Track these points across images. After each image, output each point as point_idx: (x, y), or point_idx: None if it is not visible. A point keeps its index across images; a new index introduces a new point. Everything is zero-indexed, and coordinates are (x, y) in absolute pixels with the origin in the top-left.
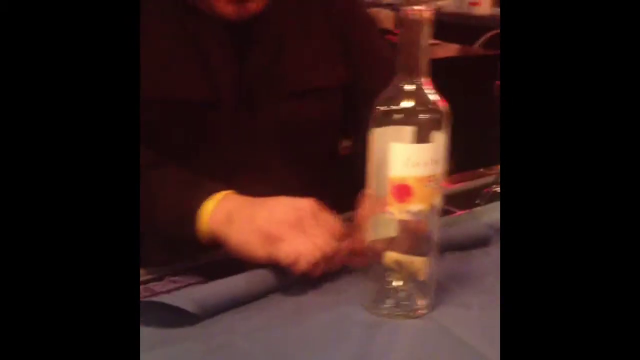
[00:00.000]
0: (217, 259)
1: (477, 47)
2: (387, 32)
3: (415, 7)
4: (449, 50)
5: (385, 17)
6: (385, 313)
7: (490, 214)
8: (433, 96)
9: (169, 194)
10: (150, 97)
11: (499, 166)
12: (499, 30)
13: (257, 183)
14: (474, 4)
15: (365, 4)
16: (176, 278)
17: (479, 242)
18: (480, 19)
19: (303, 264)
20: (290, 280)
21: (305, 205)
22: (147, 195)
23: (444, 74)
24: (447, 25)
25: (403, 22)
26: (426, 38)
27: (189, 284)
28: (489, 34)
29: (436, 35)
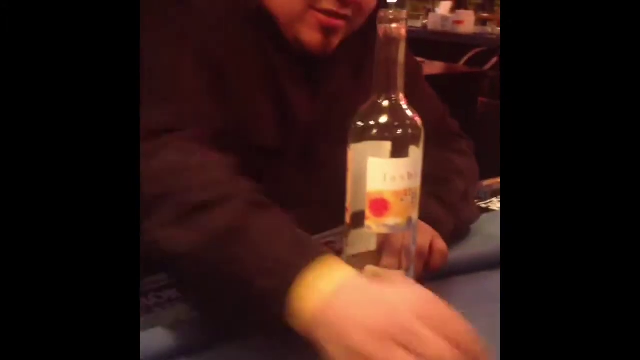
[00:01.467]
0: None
1: (461, 65)
2: None
3: (392, 25)
4: (434, 67)
5: None
6: None
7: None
8: (409, 112)
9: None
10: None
11: (484, 181)
12: (482, 48)
13: (316, 217)
14: (458, 22)
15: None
16: (160, 294)
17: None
18: (464, 37)
19: None
20: None
21: (408, 303)
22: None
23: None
24: (431, 44)
25: (380, 39)
26: (402, 54)
27: (170, 300)
28: (472, 52)
29: (421, 53)
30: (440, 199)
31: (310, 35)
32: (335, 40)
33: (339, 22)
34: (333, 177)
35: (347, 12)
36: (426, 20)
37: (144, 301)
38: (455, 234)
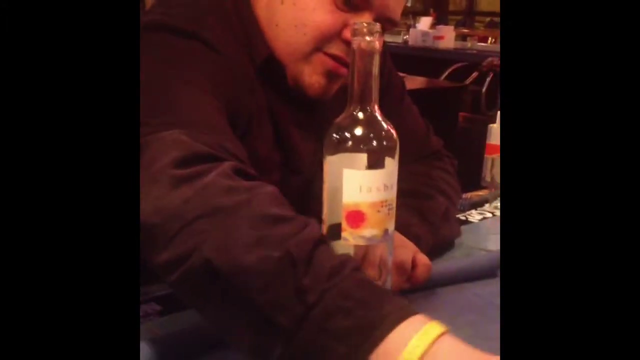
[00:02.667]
0: None
1: (442, 80)
2: None
3: (367, 38)
4: (415, 82)
5: None
6: None
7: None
8: (384, 123)
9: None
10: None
11: (464, 194)
12: (463, 63)
13: None
14: (438, 38)
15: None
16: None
17: (483, 274)
18: (445, 52)
19: None
20: None
21: None
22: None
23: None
24: (413, 59)
25: (355, 52)
26: (377, 67)
27: (147, 314)
28: (453, 67)
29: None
30: (422, 215)
31: (313, 78)
32: (335, 87)
33: (344, 70)
34: None
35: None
36: (407, 36)
37: None
38: (434, 250)
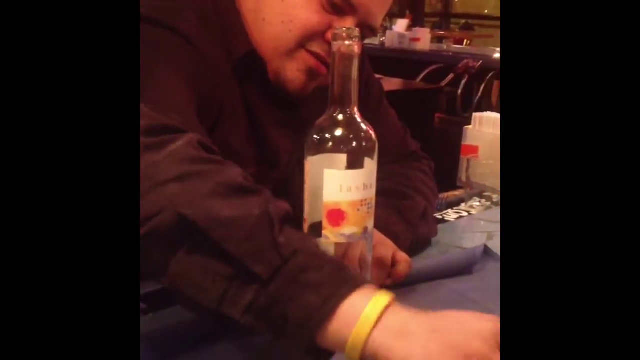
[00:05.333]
0: (161, 288)
1: (418, 82)
2: None
3: (347, 42)
4: (392, 84)
5: None
6: None
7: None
8: (364, 125)
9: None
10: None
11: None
12: (439, 65)
13: None
14: (415, 40)
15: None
16: None
17: (459, 270)
18: (421, 54)
19: None
20: None
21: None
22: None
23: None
24: (389, 60)
25: (335, 56)
26: (356, 71)
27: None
28: (429, 69)
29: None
30: (400, 214)
31: (294, 74)
32: (312, 86)
33: (324, 69)
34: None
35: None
36: (384, 38)
37: None
38: (412, 248)
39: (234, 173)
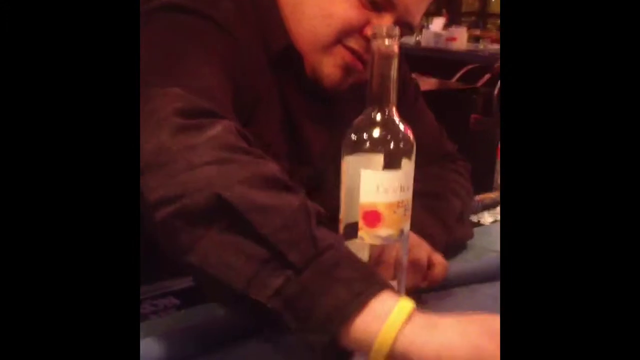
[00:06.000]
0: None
1: (454, 81)
2: None
3: (387, 41)
4: (427, 84)
5: None
6: None
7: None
8: (402, 125)
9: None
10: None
11: (476, 196)
12: (475, 65)
13: None
14: (451, 39)
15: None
16: (156, 302)
17: (495, 275)
18: (457, 54)
19: None
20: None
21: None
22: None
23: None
24: (425, 60)
25: (375, 55)
26: (395, 70)
27: (166, 308)
28: (465, 69)
29: (414, 70)
30: (436, 216)
31: (331, 70)
32: (349, 82)
33: (360, 65)
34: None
35: (368, 57)
36: (419, 37)
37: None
38: (447, 251)
39: (273, 167)
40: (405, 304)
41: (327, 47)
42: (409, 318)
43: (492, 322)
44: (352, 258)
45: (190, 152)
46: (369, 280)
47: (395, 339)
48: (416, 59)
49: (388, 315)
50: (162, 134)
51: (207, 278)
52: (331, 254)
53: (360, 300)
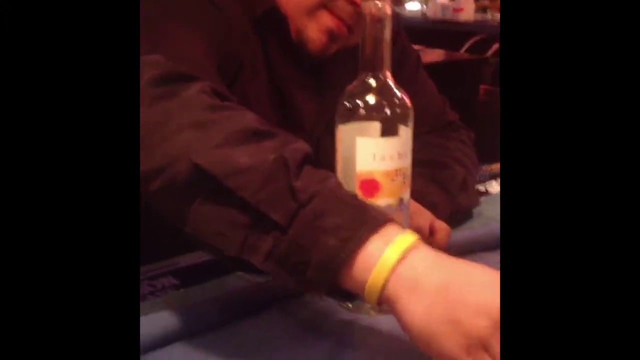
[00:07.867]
0: (195, 262)
1: (462, 53)
2: None
3: (378, 2)
4: (435, 55)
5: None
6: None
7: None
8: (397, 90)
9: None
10: None
11: (484, 166)
12: (483, 36)
13: None
14: (458, 10)
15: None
16: (154, 282)
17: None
18: (465, 25)
19: None
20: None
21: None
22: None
23: (430, 79)
24: (432, 31)
25: (366, 18)
26: (389, 32)
27: (164, 287)
28: (473, 39)
29: (422, 41)
30: (438, 184)
31: (315, 35)
32: (334, 48)
33: (345, 31)
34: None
35: (352, 23)
36: (426, 8)
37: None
38: (452, 219)
39: (249, 118)
40: (396, 248)
41: (311, 10)
42: (395, 269)
43: (495, 275)
44: (338, 201)
45: (165, 118)
46: (356, 224)
47: (381, 290)
48: (423, 31)
49: (374, 265)
50: (142, 106)
51: (207, 245)
52: (315, 204)
53: (348, 248)
